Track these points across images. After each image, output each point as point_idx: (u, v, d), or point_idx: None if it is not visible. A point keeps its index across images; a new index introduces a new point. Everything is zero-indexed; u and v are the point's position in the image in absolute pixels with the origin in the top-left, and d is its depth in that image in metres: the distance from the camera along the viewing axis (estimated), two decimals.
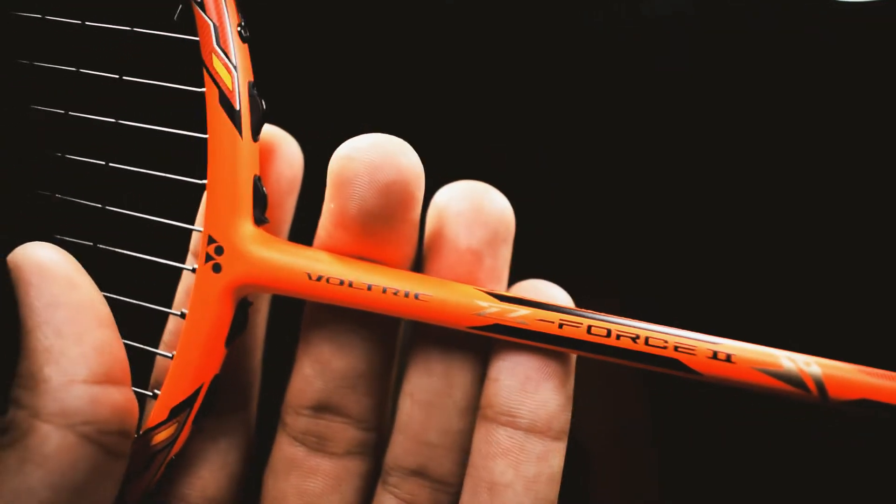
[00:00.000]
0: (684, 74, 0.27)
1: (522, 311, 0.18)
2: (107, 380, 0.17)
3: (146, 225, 0.20)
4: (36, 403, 0.16)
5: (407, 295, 0.18)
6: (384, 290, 0.18)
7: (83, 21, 0.20)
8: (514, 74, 0.28)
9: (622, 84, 0.27)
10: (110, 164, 0.20)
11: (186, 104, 0.19)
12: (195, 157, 0.19)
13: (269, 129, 0.20)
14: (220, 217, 0.18)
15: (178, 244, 0.21)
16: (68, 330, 0.17)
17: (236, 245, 0.18)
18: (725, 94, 0.27)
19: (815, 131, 0.27)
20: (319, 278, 0.18)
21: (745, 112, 0.27)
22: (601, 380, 0.19)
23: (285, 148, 0.20)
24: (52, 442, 0.16)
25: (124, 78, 0.19)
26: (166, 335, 0.21)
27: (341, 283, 0.18)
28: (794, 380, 0.17)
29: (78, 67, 0.20)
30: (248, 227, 0.18)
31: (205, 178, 0.19)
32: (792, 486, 0.27)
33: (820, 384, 0.17)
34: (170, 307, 0.21)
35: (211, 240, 0.18)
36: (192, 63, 0.19)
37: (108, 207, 0.20)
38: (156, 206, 0.20)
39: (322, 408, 0.20)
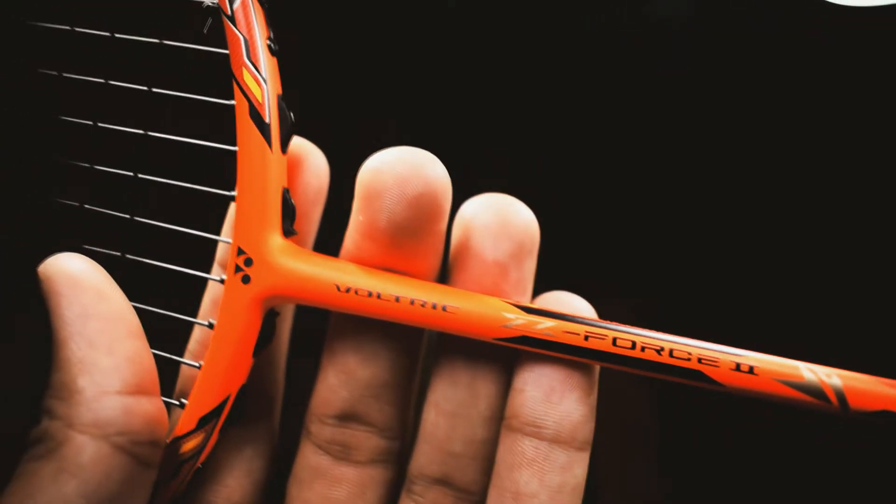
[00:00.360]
0: (686, 78, 0.27)
1: (548, 324, 0.18)
2: (138, 390, 0.17)
3: (170, 235, 0.20)
4: (70, 414, 0.16)
5: (435, 307, 0.18)
6: (412, 302, 0.18)
7: (112, 33, 0.20)
8: (525, 83, 0.28)
9: (625, 88, 0.28)
10: (138, 175, 0.20)
11: (210, 115, 0.19)
12: (219, 168, 0.20)
13: (295, 141, 0.20)
14: (250, 229, 0.19)
15: (202, 254, 0.21)
16: (100, 341, 0.17)
17: (266, 256, 0.18)
18: (729, 97, 0.27)
19: (822, 134, 0.27)
20: (348, 290, 0.18)
21: (749, 115, 0.27)
22: (602, 381, 0.20)
23: (312, 160, 0.20)
24: (87, 452, 0.16)
25: (153, 90, 0.20)
26: (192, 344, 0.21)
27: (370, 294, 0.18)
28: (815, 391, 0.18)
29: (107, 79, 0.20)
30: (277, 239, 0.19)
31: (230, 189, 0.19)
32: (795, 487, 0.28)
33: (841, 395, 0.18)
34: (194, 316, 0.21)
35: (240, 251, 0.19)
36: (217, 75, 0.19)
37: (135, 218, 0.20)
38: (181, 216, 0.20)
39: (347, 417, 0.20)
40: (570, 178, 0.28)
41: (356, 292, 0.18)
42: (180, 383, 0.21)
